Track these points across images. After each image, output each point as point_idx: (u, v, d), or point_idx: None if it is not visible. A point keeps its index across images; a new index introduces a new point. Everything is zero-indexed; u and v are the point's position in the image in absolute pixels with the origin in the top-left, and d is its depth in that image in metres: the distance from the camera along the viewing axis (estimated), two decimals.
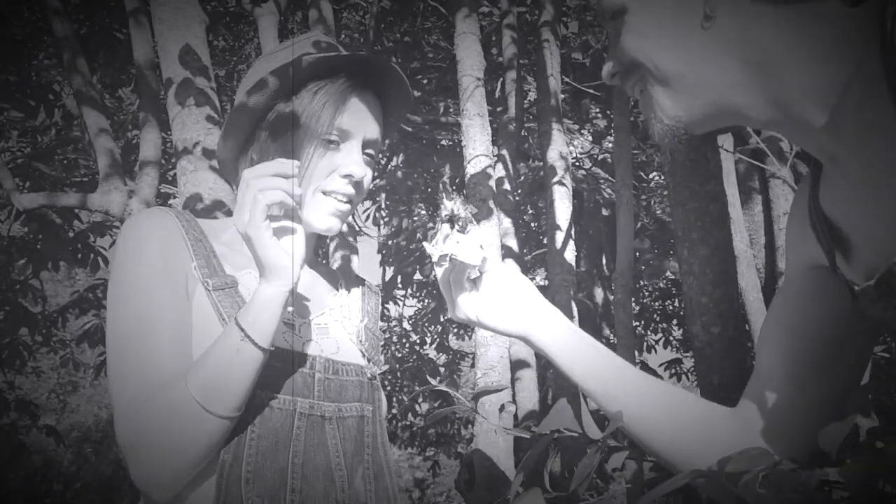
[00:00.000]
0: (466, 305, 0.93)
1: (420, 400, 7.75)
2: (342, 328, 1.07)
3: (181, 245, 0.94)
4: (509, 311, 0.93)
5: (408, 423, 7.95)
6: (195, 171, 2.10)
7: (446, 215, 0.90)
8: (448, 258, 0.90)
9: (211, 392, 0.82)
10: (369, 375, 1.03)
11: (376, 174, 1.05)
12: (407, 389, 7.62)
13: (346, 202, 1.00)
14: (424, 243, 0.93)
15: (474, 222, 0.91)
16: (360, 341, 1.07)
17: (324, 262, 1.20)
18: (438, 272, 0.95)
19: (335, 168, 0.98)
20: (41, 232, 4.77)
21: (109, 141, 2.57)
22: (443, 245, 0.90)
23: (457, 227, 0.90)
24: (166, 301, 0.89)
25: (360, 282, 1.21)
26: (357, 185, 1.00)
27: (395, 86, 1.05)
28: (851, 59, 0.67)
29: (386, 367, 1.10)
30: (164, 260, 0.92)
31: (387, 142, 1.17)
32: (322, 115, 0.97)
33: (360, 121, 1.00)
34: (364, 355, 1.05)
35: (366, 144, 1.01)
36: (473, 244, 0.91)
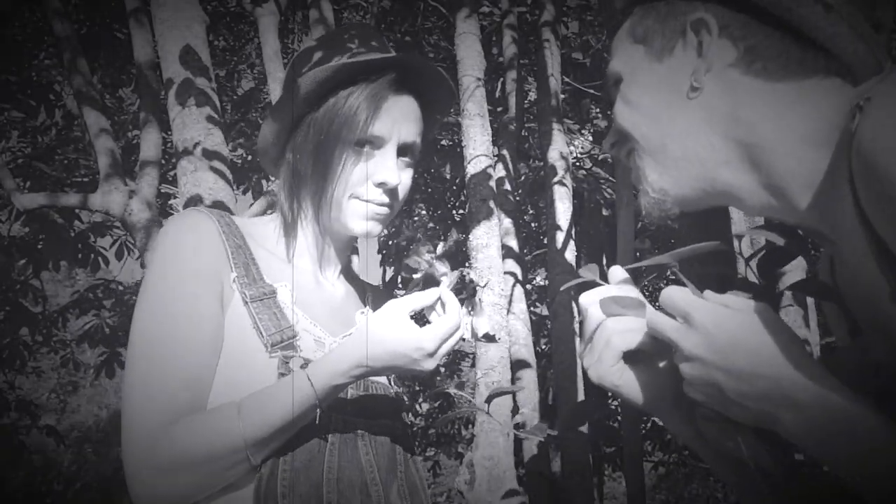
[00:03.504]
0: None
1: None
2: None
3: (221, 253, 0.92)
4: None
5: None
6: (195, 171, 2.10)
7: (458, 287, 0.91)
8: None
9: (265, 444, 0.82)
10: (394, 391, 1.03)
11: (415, 175, 1.02)
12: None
13: (383, 206, 0.97)
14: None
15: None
16: None
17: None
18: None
19: (369, 176, 0.95)
20: (42, 232, 4.78)
21: (110, 141, 2.58)
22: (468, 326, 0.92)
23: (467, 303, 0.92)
24: (203, 311, 0.87)
25: (387, 296, 1.18)
26: (391, 192, 0.97)
27: (434, 83, 1.01)
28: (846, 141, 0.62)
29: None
30: (203, 267, 0.89)
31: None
32: (354, 121, 0.93)
33: (394, 125, 0.96)
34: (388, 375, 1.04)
35: (402, 149, 0.98)
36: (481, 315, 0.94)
